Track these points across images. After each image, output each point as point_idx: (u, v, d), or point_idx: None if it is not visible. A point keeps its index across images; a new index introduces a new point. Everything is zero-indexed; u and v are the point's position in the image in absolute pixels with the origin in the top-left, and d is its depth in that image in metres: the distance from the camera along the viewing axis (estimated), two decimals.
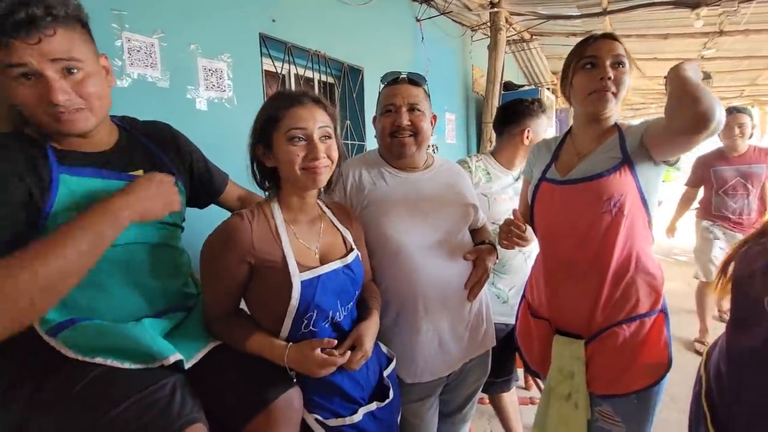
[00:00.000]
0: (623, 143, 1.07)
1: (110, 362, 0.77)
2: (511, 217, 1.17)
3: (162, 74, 1.55)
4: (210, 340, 0.92)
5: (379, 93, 1.25)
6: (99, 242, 0.73)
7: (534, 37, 4.31)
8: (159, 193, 0.85)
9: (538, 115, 1.67)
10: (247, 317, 0.98)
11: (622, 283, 1.07)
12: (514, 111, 1.69)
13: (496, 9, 3.39)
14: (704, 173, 2.83)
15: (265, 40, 1.97)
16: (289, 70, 2.20)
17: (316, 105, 0.93)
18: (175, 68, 1.59)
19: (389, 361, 1.10)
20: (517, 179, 1.69)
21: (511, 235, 1.14)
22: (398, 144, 1.18)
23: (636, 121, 1.18)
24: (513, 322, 1.45)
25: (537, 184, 1.21)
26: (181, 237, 1.02)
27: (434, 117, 1.27)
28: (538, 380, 2.10)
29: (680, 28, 3.63)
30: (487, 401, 1.94)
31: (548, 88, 4.86)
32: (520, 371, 1.90)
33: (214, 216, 1.05)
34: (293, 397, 0.84)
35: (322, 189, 1.02)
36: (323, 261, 0.96)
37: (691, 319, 2.98)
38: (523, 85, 4.44)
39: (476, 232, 1.35)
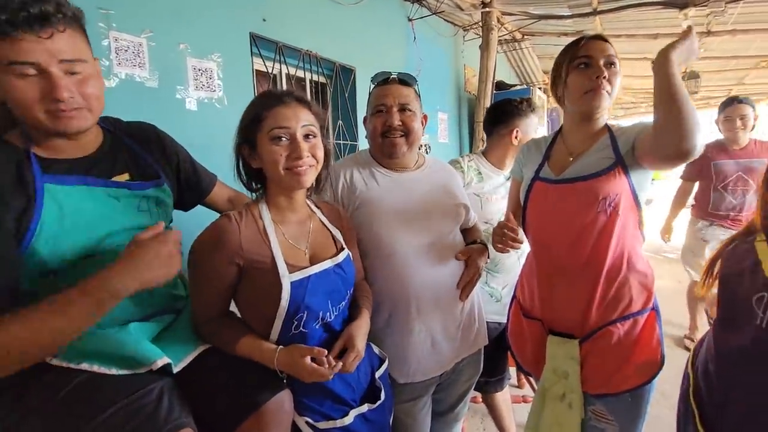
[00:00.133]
0: (615, 144, 1.08)
1: (96, 368, 0.76)
2: (503, 219, 1.18)
3: (150, 74, 1.53)
4: (199, 343, 0.91)
5: (370, 93, 1.25)
6: (89, 318, 0.72)
7: (525, 36, 4.33)
8: (158, 262, 0.77)
9: (527, 114, 1.68)
10: (237, 320, 0.97)
11: (616, 282, 1.08)
12: (503, 111, 1.70)
13: (487, 9, 3.40)
14: (704, 167, 2.63)
15: (256, 40, 1.95)
16: (281, 69, 2.19)
17: (299, 104, 0.92)
18: (164, 68, 1.57)
19: (381, 362, 1.10)
20: (508, 179, 1.70)
21: (505, 238, 1.13)
22: (389, 144, 1.18)
23: (625, 122, 1.19)
24: (506, 321, 1.45)
25: (530, 184, 1.21)
26: None
27: (425, 117, 1.26)
28: (531, 379, 2.11)
29: (669, 28, 3.67)
30: (480, 400, 1.95)
31: (540, 88, 4.89)
32: (512, 370, 1.91)
33: (202, 218, 1.04)
34: (284, 399, 0.83)
35: (312, 189, 1.01)
36: (313, 261, 0.95)
37: (681, 317, 3.02)
38: (514, 85, 4.45)
39: (467, 232, 1.35)
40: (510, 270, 1.64)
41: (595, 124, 1.14)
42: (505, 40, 4.21)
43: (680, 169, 2.89)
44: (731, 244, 0.77)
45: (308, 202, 1.04)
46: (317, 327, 0.93)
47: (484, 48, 3.52)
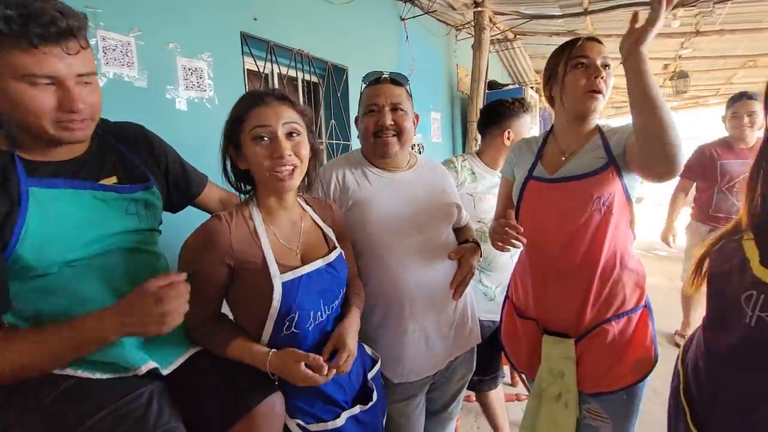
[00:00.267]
0: (607, 145, 1.09)
1: (80, 373, 0.75)
2: (504, 217, 1.17)
3: (139, 74, 1.51)
4: (190, 345, 0.91)
5: (361, 93, 1.24)
6: (72, 352, 0.73)
7: (517, 36, 4.35)
8: (151, 319, 0.74)
9: (518, 115, 1.69)
10: (229, 322, 0.96)
11: (610, 280, 1.08)
12: (495, 112, 1.71)
13: (479, 8, 3.40)
14: (708, 167, 2.47)
15: (247, 39, 1.94)
16: (272, 69, 2.17)
17: (280, 102, 0.90)
18: (153, 67, 1.55)
19: (373, 362, 1.09)
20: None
21: (506, 236, 1.09)
22: (382, 144, 1.17)
23: (614, 122, 1.20)
24: (499, 321, 1.45)
25: (524, 183, 1.21)
26: (158, 241, 1.00)
27: (416, 116, 1.26)
28: (524, 377, 2.12)
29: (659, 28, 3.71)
30: (474, 399, 1.95)
31: (532, 87, 4.91)
32: (506, 368, 1.91)
33: (193, 219, 1.03)
34: (275, 402, 0.82)
35: (302, 188, 1.00)
36: (305, 261, 0.94)
37: (672, 314, 3.05)
38: (507, 84, 4.47)
39: (459, 231, 1.35)
40: (503, 268, 1.65)
41: (587, 125, 1.14)
42: (498, 39, 4.23)
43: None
44: (719, 242, 0.78)
45: (299, 200, 1.03)
46: (309, 328, 0.92)
47: (477, 47, 3.53)
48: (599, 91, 1.07)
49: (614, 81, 1.12)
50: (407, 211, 1.18)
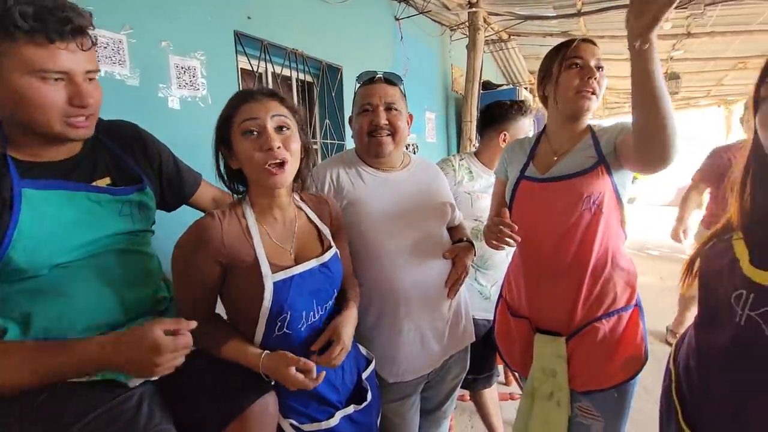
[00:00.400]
0: (597, 144, 1.10)
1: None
2: (499, 216, 1.17)
3: (131, 72, 1.49)
4: None
5: (355, 93, 1.24)
6: (57, 377, 0.72)
7: (511, 37, 4.36)
8: (137, 367, 0.73)
9: (516, 117, 1.70)
10: (224, 322, 0.96)
11: (601, 279, 1.09)
12: (492, 114, 1.74)
13: (474, 9, 3.41)
14: (727, 173, 2.28)
15: (241, 38, 1.92)
16: (266, 68, 2.16)
17: (270, 98, 0.89)
18: (146, 66, 1.53)
19: (368, 363, 1.09)
20: None
21: (502, 235, 1.09)
22: (376, 143, 1.17)
23: (606, 122, 1.21)
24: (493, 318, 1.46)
25: (516, 183, 1.22)
26: (151, 241, 0.99)
27: (410, 116, 1.26)
28: (518, 376, 2.13)
29: None
30: (468, 398, 1.96)
31: (526, 88, 4.93)
32: (500, 367, 1.92)
33: (187, 218, 1.02)
34: (268, 402, 0.82)
35: (297, 187, 0.99)
36: (298, 260, 0.94)
37: (664, 313, 3.08)
38: (501, 85, 4.49)
39: (453, 230, 1.35)
40: (499, 266, 1.66)
41: (579, 125, 1.16)
42: (492, 40, 4.24)
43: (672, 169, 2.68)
44: (709, 242, 0.79)
45: (295, 198, 1.02)
46: (302, 328, 0.91)
47: (471, 48, 3.54)
48: (592, 92, 1.08)
49: (607, 82, 1.14)
50: (401, 210, 1.18)
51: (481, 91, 3.79)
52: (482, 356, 1.61)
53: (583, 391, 1.12)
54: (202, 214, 0.92)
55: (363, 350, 1.11)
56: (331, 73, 2.58)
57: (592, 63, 1.08)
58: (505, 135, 1.68)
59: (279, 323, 0.88)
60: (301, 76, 2.43)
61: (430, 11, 3.35)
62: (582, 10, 3.42)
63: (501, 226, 1.09)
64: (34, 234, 0.73)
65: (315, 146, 2.53)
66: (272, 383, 0.86)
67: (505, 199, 1.28)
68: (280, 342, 0.89)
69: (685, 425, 0.75)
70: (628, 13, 0.78)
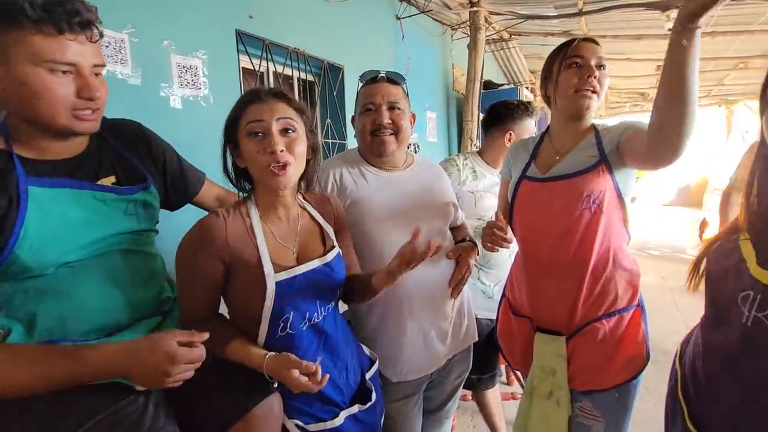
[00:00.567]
0: (600, 143, 1.10)
1: None
2: (495, 217, 1.18)
3: (133, 71, 1.49)
4: None
5: (358, 92, 1.24)
6: (67, 381, 0.70)
7: (513, 36, 4.36)
8: (159, 373, 0.71)
9: (521, 118, 1.70)
10: (228, 323, 0.95)
11: (601, 279, 1.09)
12: (498, 113, 1.73)
13: (475, 8, 3.41)
14: None
15: (242, 37, 1.92)
16: (268, 67, 2.16)
17: (276, 99, 0.89)
18: (147, 65, 1.53)
19: (371, 363, 1.09)
20: None
21: (494, 237, 1.13)
22: (379, 143, 1.17)
23: (610, 121, 1.20)
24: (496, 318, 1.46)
25: (517, 182, 1.22)
26: (155, 241, 0.99)
27: (413, 116, 1.26)
28: (520, 376, 2.13)
29: (652, 29, 3.74)
30: (470, 398, 1.96)
31: (527, 87, 4.93)
32: (502, 367, 1.92)
33: (190, 218, 1.01)
34: (273, 404, 0.82)
35: (302, 187, 0.99)
36: (301, 260, 0.94)
37: (664, 313, 3.08)
38: (502, 84, 4.49)
39: (456, 230, 1.35)
40: (501, 266, 1.66)
41: (582, 124, 1.15)
42: (493, 39, 4.23)
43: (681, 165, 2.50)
44: (716, 243, 0.79)
45: (299, 198, 1.02)
46: (304, 328, 0.91)
47: (472, 47, 3.53)
48: (592, 90, 1.08)
49: (609, 81, 1.13)
50: (405, 210, 1.18)
51: (483, 91, 3.78)
52: (485, 356, 1.61)
53: (583, 391, 1.12)
54: (206, 214, 0.92)
55: (366, 350, 1.11)
56: (332, 73, 2.57)
57: (593, 62, 1.08)
58: (510, 135, 1.68)
59: (282, 323, 0.88)
60: (303, 76, 2.43)
61: (431, 10, 3.35)
62: (583, 10, 3.41)
63: (494, 229, 1.11)
64: (41, 232, 0.73)
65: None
66: (276, 385, 0.86)
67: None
68: (283, 343, 0.89)
69: (691, 425, 0.74)
70: None
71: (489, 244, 1.16)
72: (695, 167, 9.72)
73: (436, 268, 1.18)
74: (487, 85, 4.13)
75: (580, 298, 1.09)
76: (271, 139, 0.85)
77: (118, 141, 0.93)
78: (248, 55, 1.99)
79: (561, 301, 1.12)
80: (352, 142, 2.64)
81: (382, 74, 1.21)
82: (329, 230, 1.03)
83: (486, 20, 3.58)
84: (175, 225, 1.01)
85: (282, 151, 0.85)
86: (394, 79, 1.21)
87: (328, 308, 0.97)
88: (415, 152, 2.75)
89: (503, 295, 1.37)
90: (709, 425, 0.71)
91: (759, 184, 0.71)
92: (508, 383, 2.46)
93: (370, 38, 2.88)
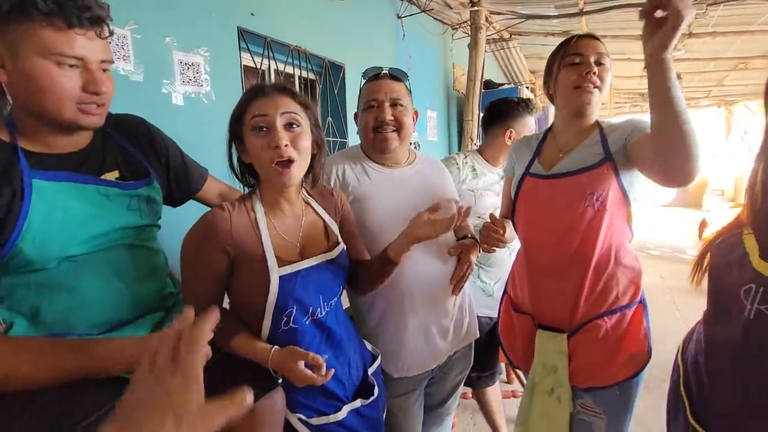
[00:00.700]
0: (605, 141, 1.09)
1: None
2: (507, 216, 1.19)
3: (135, 67, 1.49)
4: None
5: (361, 89, 1.24)
6: (75, 374, 0.71)
7: (513, 36, 4.37)
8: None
9: (522, 115, 1.70)
10: (231, 315, 0.95)
11: (603, 276, 1.09)
12: (498, 111, 1.73)
13: (476, 8, 3.41)
14: None
15: (244, 34, 1.92)
16: (269, 65, 2.16)
17: (280, 93, 0.89)
18: (150, 61, 1.53)
19: (374, 358, 1.09)
20: (503, 177, 1.72)
21: (490, 238, 1.15)
22: (381, 139, 1.17)
23: (615, 119, 1.20)
24: (497, 316, 1.46)
25: (521, 179, 1.22)
26: (157, 237, 0.99)
27: (416, 113, 1.26)
28: (521, 374, 2.13)
29: None
30: (471, 396, 1.96)
31: (527, 87, 4.94)
32: (502, 365, 1.92)
33: (193, 214, 1.01)
34: (276, 398, 0.82)
35: (308, 183, 0.99)
36: (305, 255, 0.94)
37: (664, 311, 3.09)
38: (502, 84, 4.50)
39: (457, 228, 1.35)
40: (502, 264, 1.66)
41: (586, 121, 1.15)
42: (493, 39, 4.24)
43: None
44: (719, 237, 0.79)
45: (303, 193, 1.02)
46: (307, 323, 0.91)
47: (473, 47, 3.54)
48: (593, 85, 1.07)
49: (612, 81, 1.13)
50: (407, 206, 1.18)
51: (483, 91, 3.79)
52: (485, 353, 1.61)
53: (585, 388, 1.12)
54: (209, 209, 0.92)
55: (369, 346, 1.11)
56: (333, 71, 2.58)
57: (592, 58, 1.08)
58: (511, 132, 1.68)
59: (285, 318, 0.88)
60: (304, 74, 2.43)
61: (432, 9, 3.35)
62: (584, 10, 3.42)
63: (489, 231, 1.12)
64: (44, 225, 0.73)
65: None
66: (280, 380, 0.86)
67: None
68: (287, 337, 0.89)
69: (693, 420, 0.74)
70: (642, 36, 0.84)
71: (485, 245, 1.18)
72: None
73: (437, 264, 1.18)
74: (488, 84, 4.13)
75: (581, 296, 1.09)
76: (276, 133, 0.85)
77: (123, 136, 0.93)
78: (250, 53, 1.99)
79: (562, 298, 1.12)
80: (353, 140, 2.64)
81: (385, 71, 1.21)
82: (333, 225, 1.03)
83: (487, 20, 3.58)
84: (178, 221, 1.01)
85: (286, 145, 0.85)
86: (397, 75, 1.21)
87: (331, 303, 0.97)
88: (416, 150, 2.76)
89: (505, 292, 1.37)
90: (712, 420, 0.72)
91: (763, 179, 0.71)
92: (509, 381, 2.46)
93: (371, 37, 2.88)
